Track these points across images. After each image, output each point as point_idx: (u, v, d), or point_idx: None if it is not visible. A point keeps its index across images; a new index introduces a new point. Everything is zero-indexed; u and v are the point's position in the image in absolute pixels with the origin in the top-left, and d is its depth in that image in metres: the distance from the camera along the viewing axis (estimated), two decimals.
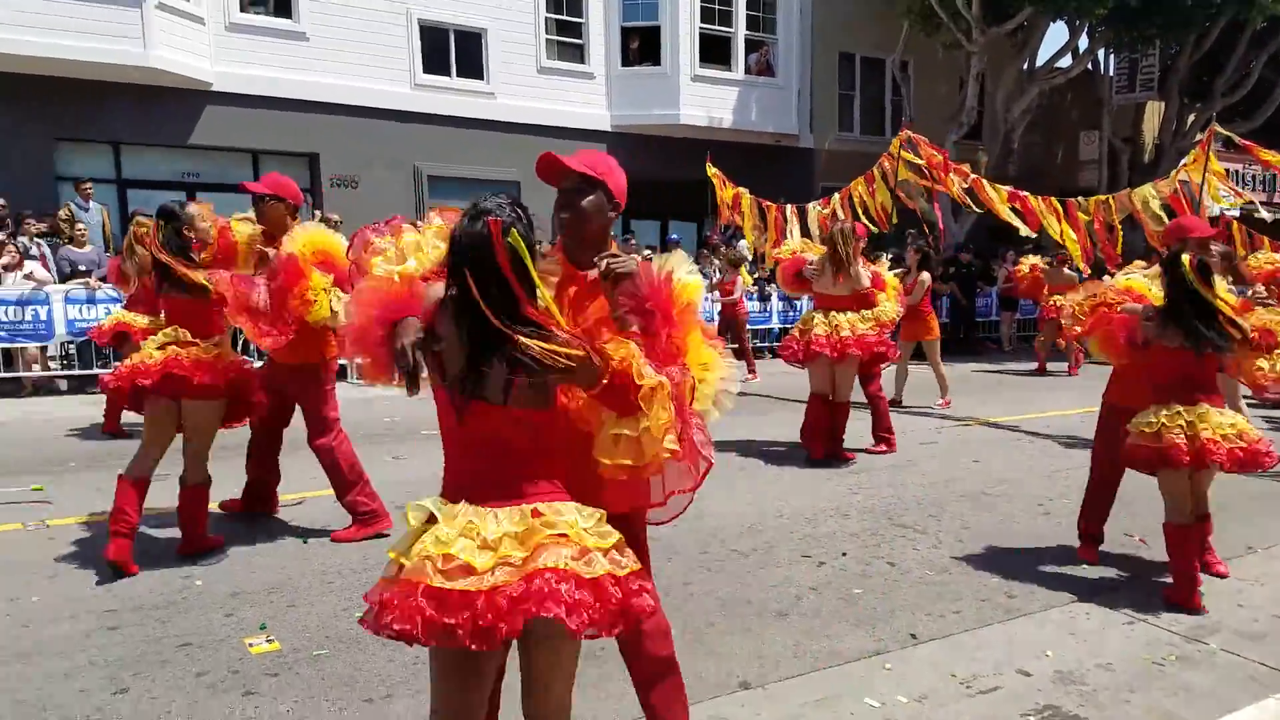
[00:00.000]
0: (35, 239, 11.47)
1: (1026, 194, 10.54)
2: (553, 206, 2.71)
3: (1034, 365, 14.24)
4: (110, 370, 4.99)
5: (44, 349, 10.94)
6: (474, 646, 2.04)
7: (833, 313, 7.46)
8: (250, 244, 5.41)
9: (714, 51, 19.19)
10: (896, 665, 3.86)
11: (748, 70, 19.64)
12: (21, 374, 10.78)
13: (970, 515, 6.11)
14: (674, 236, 17.22)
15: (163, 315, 5.12)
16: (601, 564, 2.14)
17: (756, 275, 15.33)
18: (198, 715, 3.37)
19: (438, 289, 2.32)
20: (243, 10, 15.73)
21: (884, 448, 7.99)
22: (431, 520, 2.17)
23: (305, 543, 5.32)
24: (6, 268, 10.65)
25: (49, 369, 10.99)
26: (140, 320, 7.14)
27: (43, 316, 10.56)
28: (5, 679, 3.61)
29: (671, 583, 4.74)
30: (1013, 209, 10.47)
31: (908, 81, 20.86)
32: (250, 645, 3.95)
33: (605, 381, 2.23)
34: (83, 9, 13.53)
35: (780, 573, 4.94)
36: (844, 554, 5.26)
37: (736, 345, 13.64)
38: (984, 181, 10.71)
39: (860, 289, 7.46)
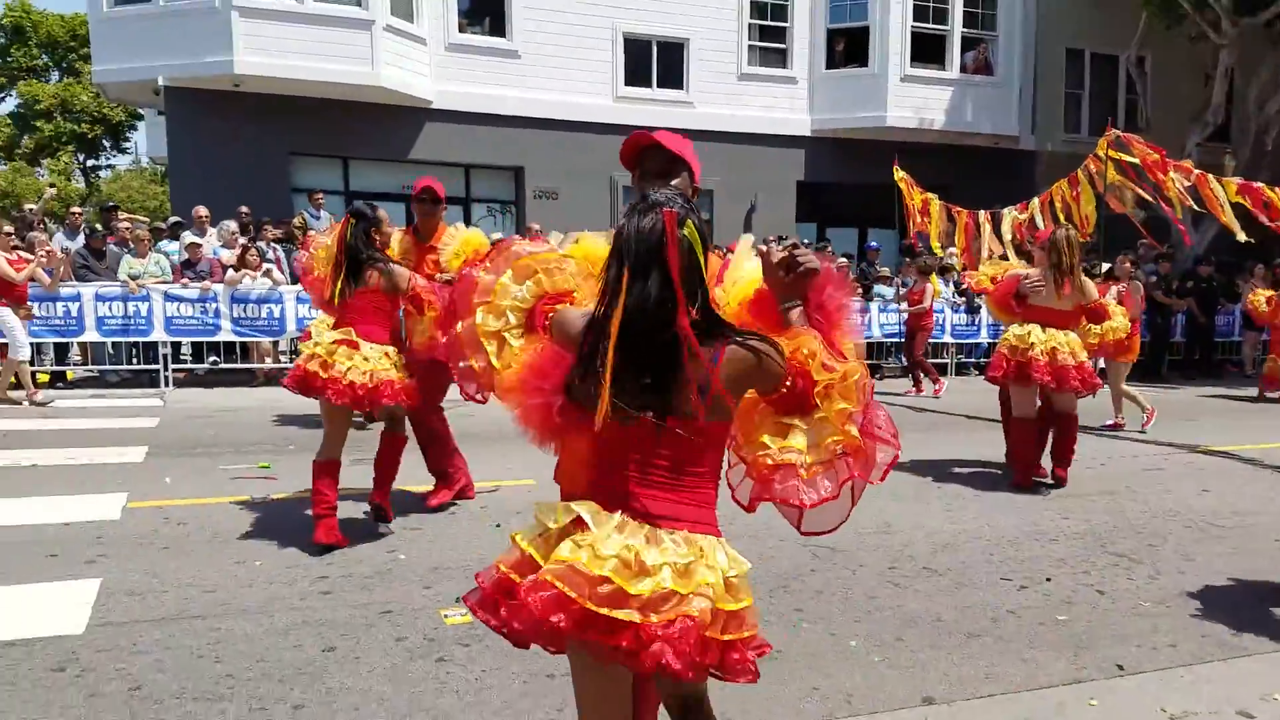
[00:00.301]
0: (272, 244, 12.61)
1: (1261, 185, 9.41)
2: (637, 189, 2.50)
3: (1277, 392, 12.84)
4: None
5: (275, 343, 12.00)
6: (621, 664, 1.97)
7: (1052, 330, 6.79)
8: (401, 252, 5.68)
9: (927, 50, 18.65)
10: (1099, 695, 3.58)
11: (963, 69, 18.98)
12: (254, 365, 11.88)
13: (1195, 547, 5.59)
14: (872, 244, 16.80)
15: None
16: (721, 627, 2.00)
17: (964, 287, 14.67)
18: (396, 676, 3.59)
19: (575, 313, 2.23)
20: (461, 31, 16.69)
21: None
22: (577, 524, 2.03)
23: (499, 526, 5.56)
24: (247, 269, 11.74)
25: (279, 361, 12.03)
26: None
27: (275, 314, 11.58)
28: (230, 632, 3.97)
29: (854, 595, 4.61)
30: (1235, 205, 9.32)
31: (1144, 78, 19.33)
32: (446, 616, 4.16)
33: (788, 384, 2.09)
34: (319, 33, 14.79)
35: (976, 594, 4.69)
36: (1048, 579, 4.94)
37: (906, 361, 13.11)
38: (1208, 177, 9.64)
39: (1087, 301, 6.86)
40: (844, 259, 15.77)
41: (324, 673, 3.61)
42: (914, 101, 18.44)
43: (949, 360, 14.97)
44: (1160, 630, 4.26)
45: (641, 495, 2.03)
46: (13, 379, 9.83)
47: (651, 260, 1.97)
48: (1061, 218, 10.40)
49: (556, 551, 1.98)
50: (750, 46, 18.43)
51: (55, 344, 11.22)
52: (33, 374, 10.89)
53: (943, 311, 14.60)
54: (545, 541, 2.04)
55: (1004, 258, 10.47)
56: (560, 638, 1.94)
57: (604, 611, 1.89)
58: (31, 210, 14.32)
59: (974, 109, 18.94)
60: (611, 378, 1.98)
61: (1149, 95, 19.30)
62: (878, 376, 14.42)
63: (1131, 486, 7.13)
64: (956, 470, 7.58)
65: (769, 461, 2.17)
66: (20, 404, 9.66)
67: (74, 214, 13.33)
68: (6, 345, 9.89)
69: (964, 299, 14.69)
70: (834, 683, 3.62)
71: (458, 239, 5.33)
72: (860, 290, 14.83)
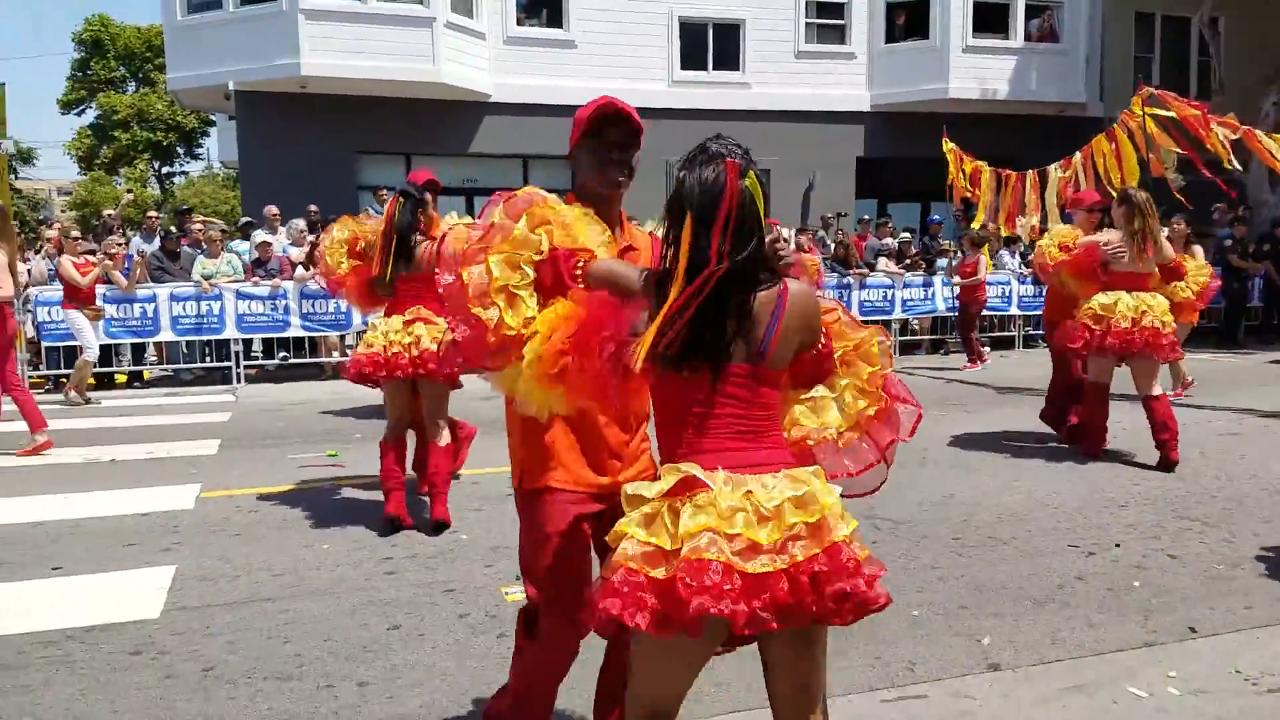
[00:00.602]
0: None
1: None
2: (601, 159, 2.48)
3: None
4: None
5: (342, 337, 12.26)
6: (778, 627, 1.87)
7: (1139, 294, 6.47)
8: None
9: (989, 20, 18.29)
10: (1170, 657, 3.49)
11: (1028, 37, 18.54)
12: (323, 359, 12.16)
13: (1273, 509, 5.40)
14: (935, 218, 16.48)
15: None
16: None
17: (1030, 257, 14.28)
18: (459, 652, 3.65)
19: (619, 264, 2.17)
20: (519, 24, 16.79)
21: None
22: (678, 490, 1.95)
23: None
24: (315, 266, 12.00)
25: (346, 355, 12.28)
26: None
27: (343, 309, 11.75)
28: (299, 612, 4.08)
29: (917, 565, 4.55)
30: None
31: (1217, 39, 18.55)
32: (506, 593, 4.22)
33: (821, 343, 2.13)
34: (381, 32, 15.02)
35: (1042, 561, 4.60)
36: (1117, 545, 4.82)
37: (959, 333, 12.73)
38: (1256, 132, 9.15)
39: (1166, 260, 6.57)
40: (906, 234, 15.53)
41: (389, 650, 3.69)
42: (977, 72, 18.08)
43: (1016, 333, 14.64)
44: (1234, 592, 4.14)
45: (727, 449, 2.00)
46: (61, 379, 10.20)
47: (717, 211, 1.94)
48: (1102, 177, 10.03)
49: (684, 526, 1.88)
50: (807, 24, 18.25)
51: (132, 344, 11.61)
52: (111, 375, 11.36)
53: (1008, 283, 14.29)
54: (659, 523, 1.94)
55: (1044, 221, 10.16)
56: (738, 609, 1.83)
57: (749, 568, 1.84)
58: (110, 216, 14.85)
59: (1039, 77, 18.49)
60: (677, 330, 1.95)
61: (1222, 57, 18.50)
62: (942, 351, 14.17)
63: (1205, 452, 6.91)
64: (1021, 442, 7.42)
65: (810, 442, 2.22)
66: (95, 402, 10.06)
67: (150, 218, 13.81)
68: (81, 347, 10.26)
69: (1032, 271, 14.30)
70: (897, 652, 3.58)
71: (459, 234, 5.34)
72: (924, 265, 14.59)
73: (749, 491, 1.91)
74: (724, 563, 1.83)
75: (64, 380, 10.35)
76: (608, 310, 2.05)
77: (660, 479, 1.99)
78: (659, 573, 1.88)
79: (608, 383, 2.04)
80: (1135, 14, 19.19)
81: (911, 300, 14.19)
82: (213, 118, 31.63)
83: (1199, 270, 6.80)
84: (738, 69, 17.94)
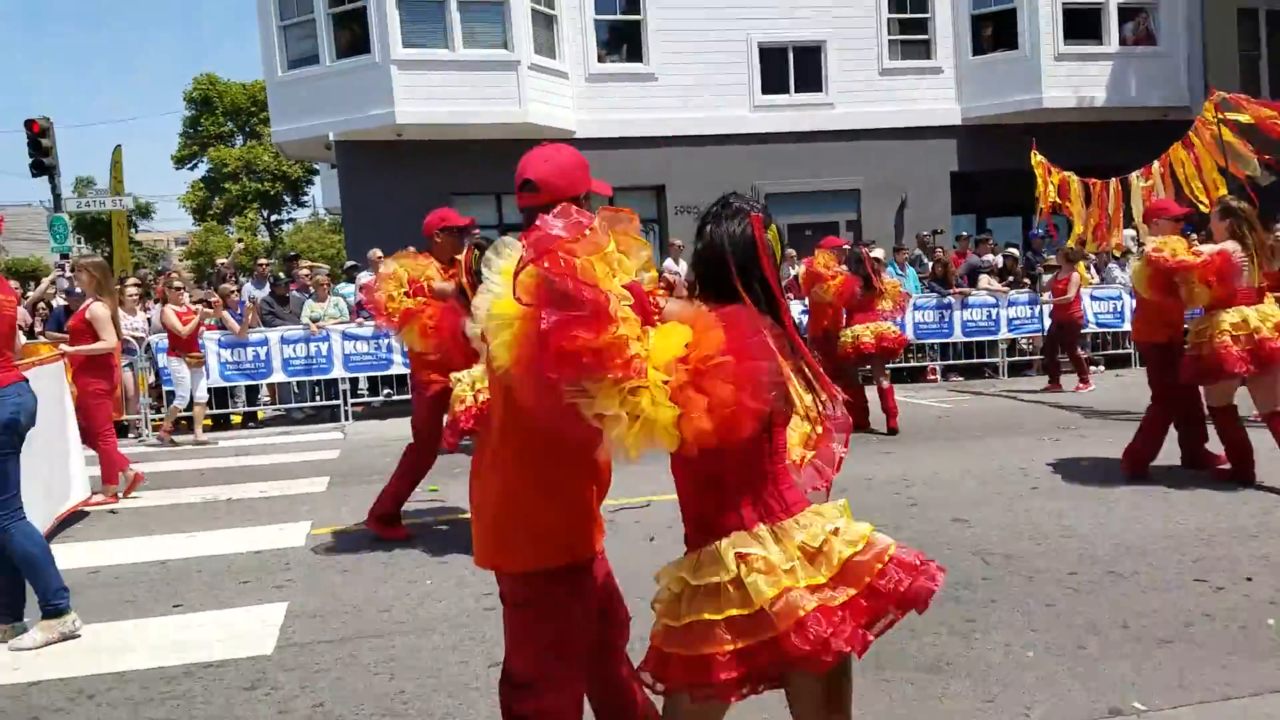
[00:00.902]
0: None
1: None
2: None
3: None
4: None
5: None
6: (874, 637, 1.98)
7: (1260, 308, 6.19)
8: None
9: (1080, 26, 17.82)
10: None
11: (1123, 41, 18.02)
12: None
13: None
14: (1036, 232, 16.00)
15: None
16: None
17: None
18: None
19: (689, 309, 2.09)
20: (600, 61, 17.07)
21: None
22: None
23: (652, 540, 5.60)
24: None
25: None
26: None
27: None
28: (403, 648, 4.16)
29: (1032, 602, 4.36)
30: None
31: None
32: None
33: None
34: (469, 78, 15.48)
35: (1167, 597, 4.36)
36: (1249, 579, 4.53)
37: (1066, 356, 12.09)
38: None
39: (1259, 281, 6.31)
40: (1012, 249, 15.07)
41: (490, 688, 3.67)
42: (1071, 80, 17.64)
43: (1131, 349, 14.00)
44: None
45: (757, 501, 2.05)
46: (180, 421, 10.69)
47: (753, 263, 2.03)
48: (1185, 185, 9.56)
49: (761, 593, 1.92)
50: (890, 41, 18.07)
51: (246, 386, 12.10)
52: (227, 416, 11.85)
53: (1120, 298, 13.71)
54: (725, 597, 1.97)
55: (1133, 232, 9.76)
56: (854, 640, 1.92)
57: (835, 601, 1.92)
58: (224, 264, 15.58)
59: (1138, 82, 17.93)
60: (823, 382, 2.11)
61: None
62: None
63: None
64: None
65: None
66: (211, 443, 10.52)
67: (260, 265, 14.44)
68: (192, 393, 10.70)
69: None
70: (1010, 695, 3.43)
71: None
72: (1028, 281, 14.14)
73: (792, 538, 1.99)
74: (815, 609, 1.90)
75: (184, 423, 10.84)
76: (760, 323, 1.93)
77: (701, 559, 2.05)
78: (743, 642, 1.94)
79: (765, 396, 1.86)
80: (1237, 10, 18.38)
81: (1018, 319, 13.76)
82: (316, 167, 32.97)
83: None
84: (820, 90, 17.83)
